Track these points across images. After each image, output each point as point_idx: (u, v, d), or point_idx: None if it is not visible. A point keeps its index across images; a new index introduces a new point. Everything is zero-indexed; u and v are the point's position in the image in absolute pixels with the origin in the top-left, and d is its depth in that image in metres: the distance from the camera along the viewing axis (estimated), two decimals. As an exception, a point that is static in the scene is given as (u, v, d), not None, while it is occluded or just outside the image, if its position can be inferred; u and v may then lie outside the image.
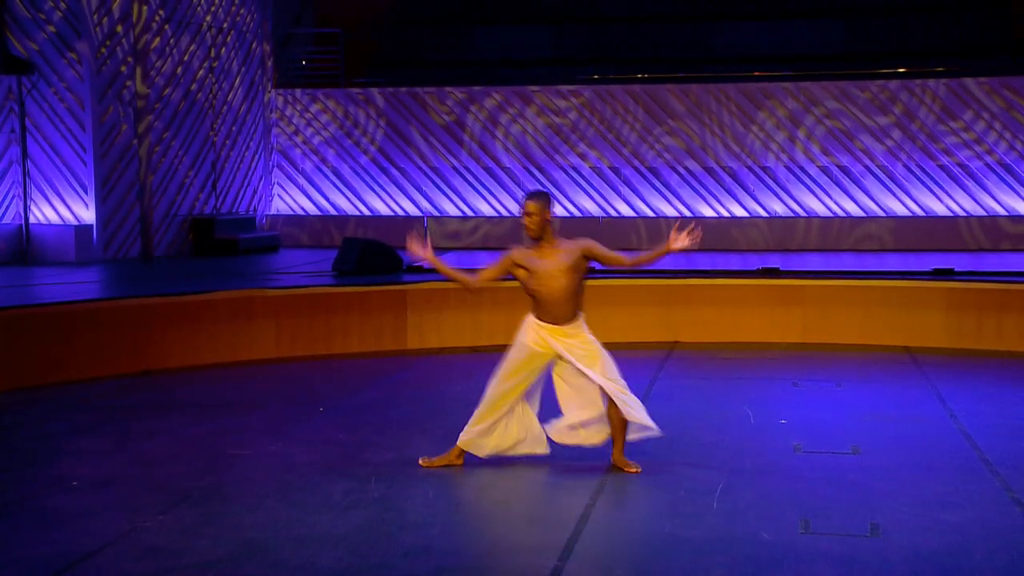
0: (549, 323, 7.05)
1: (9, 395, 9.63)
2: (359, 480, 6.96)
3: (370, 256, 13.25)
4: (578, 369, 7.03)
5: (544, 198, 7.08)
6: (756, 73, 17.59)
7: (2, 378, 9.84)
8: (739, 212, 17.25)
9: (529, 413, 7.24)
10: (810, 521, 6.12)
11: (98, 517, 6.25)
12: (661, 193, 17.44)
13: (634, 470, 7.09)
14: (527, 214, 7.04)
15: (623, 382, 7.09)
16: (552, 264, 7.01)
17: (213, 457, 7.60)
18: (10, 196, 15.29)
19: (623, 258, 7.22)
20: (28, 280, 13.16)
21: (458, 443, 7.22)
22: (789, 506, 6.41)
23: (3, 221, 15.22)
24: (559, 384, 7.17)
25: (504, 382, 7.11)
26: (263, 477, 7.10)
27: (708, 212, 17.33)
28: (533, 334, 7.08)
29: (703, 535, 5.92)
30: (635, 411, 7.04)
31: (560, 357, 7.07)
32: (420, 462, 7.24)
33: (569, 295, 7.04)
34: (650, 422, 7.07)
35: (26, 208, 15.25)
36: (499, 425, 7.16)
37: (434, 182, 18.02)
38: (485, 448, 7.19)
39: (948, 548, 5.74)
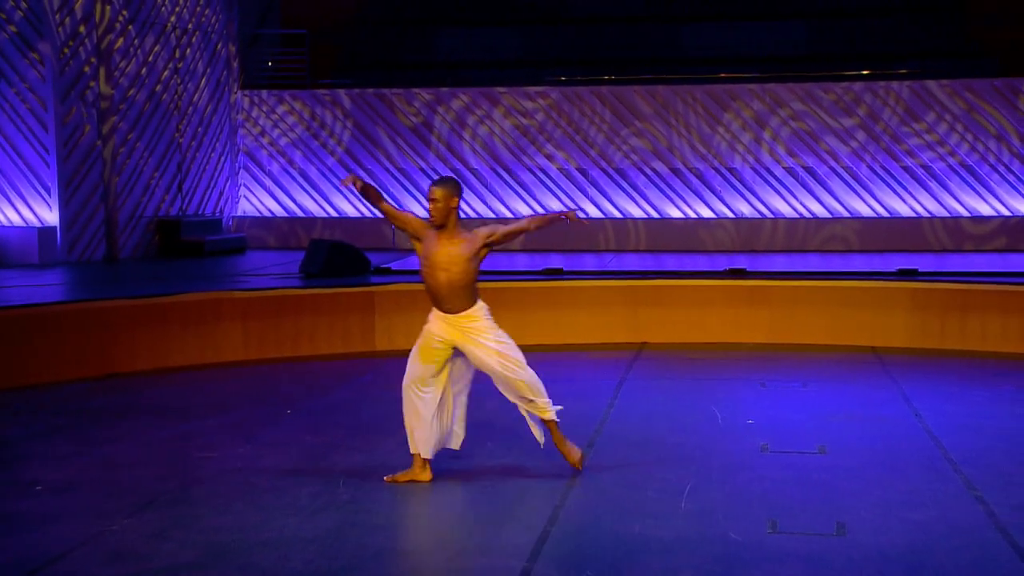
0: (445, 312, 7.00)
1: (-28, 399, 9.54)
2: (328, 483, 6.94)
3: (337, 257, 13.21)
4: (476, 356, 6.96)
5: (451, 185, 7.00)
6: (722, 75, 17.68)
7: (-35, 382, 9.75)
8: (706, 213, 17.33)
9: (448, 410, 7.12)
10: (777, 521, 6.16)
11: (63, 521, 6.20)
12: (628, 194, 17.49)
13: (575, 456, 7.10)
14: (431, 200, 6.96)
15: (524, 370, 7.03)
16: (446, 255, 6.91)
17: (180, 460, 7.56)
18: (-28, 198, 15.14)
19: (521, 224, 7.09)
20: (-9, 283, 13.04)
21: (413, 453, 7.07)
22: (757, 506, 6.45)
23: (-35, 223, 15.07)
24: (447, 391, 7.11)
25: (408, 372, 7.07)
26: (231, 480, 7.06)
27: (675, 213, 17.39)
28: (435, 324, 7.03)
29: (672, 535, 5.95)
30: (532, 387, 6.99)
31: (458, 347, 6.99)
32: (385, 479, 7.03)
33: (462, 285, 6.93)
34: (547, 401, 7.03)
35: (-11, 210, 15.11)
36: (434, 421, 7.03)
37: (401, 183, 17.99)
38: (431, 445, 7.04)
39: (913, 547, 5.79)
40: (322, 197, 18.17)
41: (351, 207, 18.11)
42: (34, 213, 15.18)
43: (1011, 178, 16.66)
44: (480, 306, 7.03)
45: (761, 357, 11.69)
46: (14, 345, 10.22)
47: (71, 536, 5.93)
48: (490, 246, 6.99)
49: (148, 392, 10.05)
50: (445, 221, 6.95)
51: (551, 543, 5.83)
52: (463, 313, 6.96)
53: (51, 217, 15.13)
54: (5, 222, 15.23)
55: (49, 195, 15.12)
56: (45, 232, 14.97)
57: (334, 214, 18.13)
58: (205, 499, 6.66)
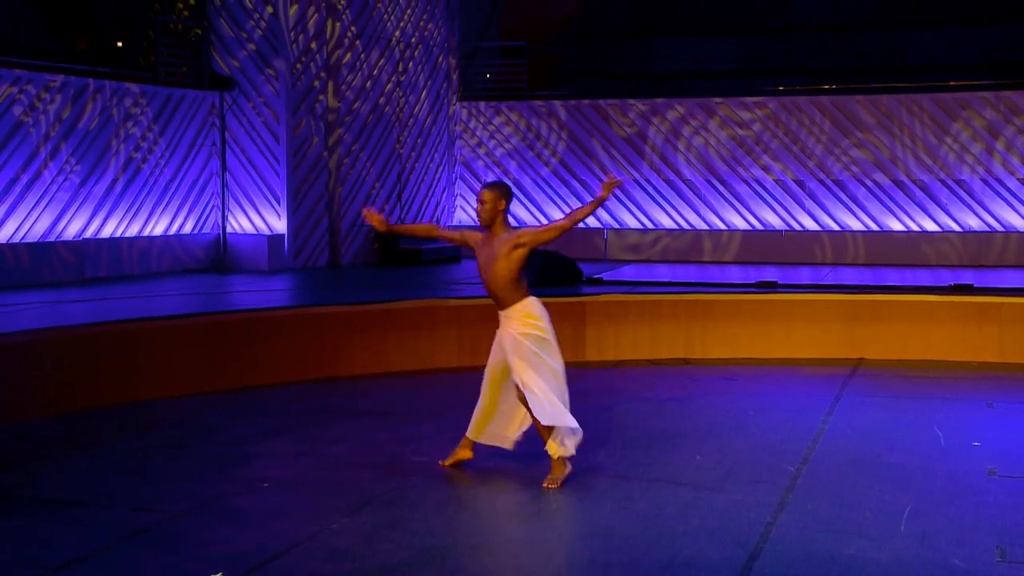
0: (498, 308, 7.26)
1: (204, 398, 10.05)
2: (539, 490, 7.00)
3: (550, 268, 13.33)
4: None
5: (500, 189, 7.30)
6: (951, 83, 16.98)
7: (199, 381, 10.27)
8: (930, 226, 16.69)
9: (508, 409, 7.35)
10: (1007, 549, 5.86)
11: (287, 518, 6.46)
12: (847, 206, 17.02)
13: (557, 474, 7.04)
14: (480, 201, 7.27)
15: (547, 382, 7.05)
16: (486, 255, 7.20)
17: (396, 463, 7.76)
18: (210, 206, 15.99)
19: (559, 224, 7.25)
20: (223, 287, 13.73)
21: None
22: (983, 532, 6.15)
23: (204, 230, 15.93)
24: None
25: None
26: (445, 484, 7.21)
27: (897, 226, 16.82)
28: (501, 323, 7.30)
29: (890, 558, 5.74)
30: (547, 411, 6.99)
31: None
32: (440, 463, 7.53)
33: (503, 281, 7.12)
34: (569, 421, 7.02)
35: (224, 218, 15.93)
36: (496, 414, 7.36)
37: (615, 194, 17.99)
38: (482, 434, 7.43)
39: None
40: (536, 207, 18.37)
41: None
42: (264, 221, 15.92)
43: None
44: (529, 300, 7.19)
45: (988, 377, 11.16)
46: (243, 348, 10.70)
47: (294, 533, 6.16)
48: (523, 246, 7.15)
49: (366, 395, 10.36)
50: (491, 222, 7.25)
51: (762, 560, 5.72)
52: (511, 307, 7.19)
53: (280, 225, 15.84)
54: (239, 229, 16.03)
55: (279, 204, 15.84)
56: (274, 239, 15.68)
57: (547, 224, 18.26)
58: (420, 502, 6.82)
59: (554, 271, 13.35)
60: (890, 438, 8.52)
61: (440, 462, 7.59)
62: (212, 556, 5.78)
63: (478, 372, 11.47)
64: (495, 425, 7.46)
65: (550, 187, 18.27)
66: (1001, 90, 16.46)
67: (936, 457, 7.95)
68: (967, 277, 13.49)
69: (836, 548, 5.93)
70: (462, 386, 10.83)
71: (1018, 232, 16.29)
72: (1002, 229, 16.41)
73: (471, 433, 7.52)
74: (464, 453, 7.56)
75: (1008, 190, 16.40)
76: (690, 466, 7.62)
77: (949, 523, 6.33)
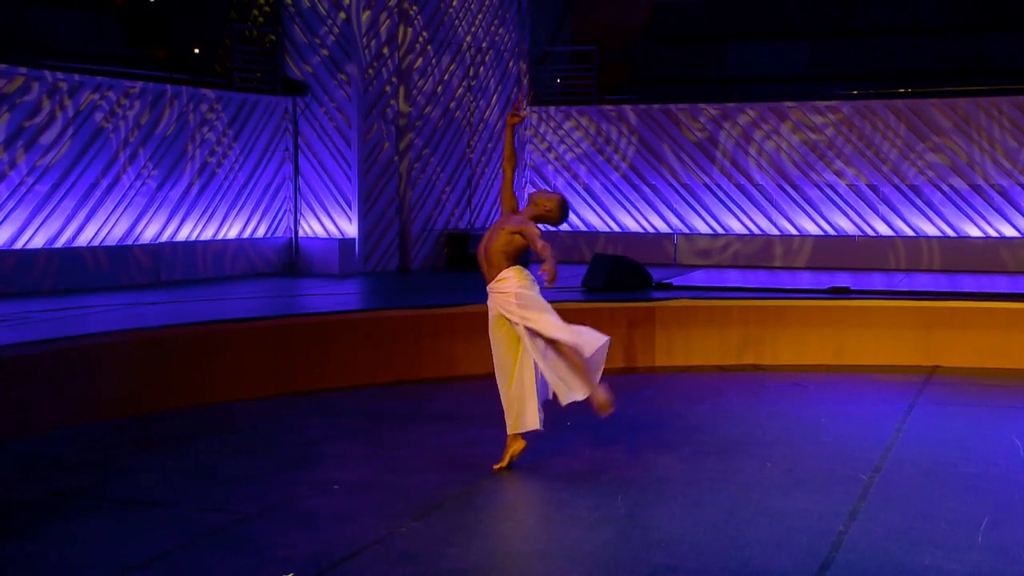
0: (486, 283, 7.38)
1: (276, 400, 10.15)
2: (606, 495, 6.98)
3: (620, 272, 13.30)
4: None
5: (553, 197, 7.47)
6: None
7: (270, 384, 10.38)
8: (1009, 232, 16.37)
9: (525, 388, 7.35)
10: (1085, 563, 5.73)
11: (356, 521, 6.50)
12: (922, 211, 16.76)
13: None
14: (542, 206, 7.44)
15: (555, 317, 7.17)
16: (500, 223, 7.35)
17: (464, 467, 7.77)
18: (283, 211, 16.18)
19: (540, 250, 6.98)
20: (295, 291, 13.87)
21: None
22: (1061, 545, 6.02)
23: (276, 234, 16.11)
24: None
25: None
26: (512, 489, 7.22)
27: (974, 232, 16.53)
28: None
29: (967, 570, 5.63)
30: (583, 338, 7.06)
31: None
32: (494, 467, 7.50)
33: (493, 253, 7.30)
34: (598, 339, 7.04)
35: (296, 222, 16.11)
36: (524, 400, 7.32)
37: (685, 199, 17.92)
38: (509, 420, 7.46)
39: None
40: (605, 212, 18.33)
41: (634, 222, 18.19)
42: (336, 225, 16.06)
43: None
44: (513, 268, 7.27)
45: (1068, 386, 10.93)
46: (313, 351, 10.80)
47: (363, 536, 6.20)
48: (521, 236, 7.23)
49: (434, 399, 10.40)
50: (514, 206, 7.46)
51: (834, 569, 5.65)
52: (494, 282, 7.34)
53: (351, 229, 15.97)
54: (311, 233, 16.19)
55: (350, 208, 15.97)
56: (345, 243, 15.81)
57: (617, 229, 18.25)
58: (488, 506, 6.83)
59: (624, 276, 13.31)
60: (966, 447, 8.37)
61: (494, 467, 7.56)
62: (282, 558, 5.84)
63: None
64: (530, 405, 7.43)
65: (620, 191, 18.21)
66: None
67: (1016, 468, 7.79)
68: (1046, 284, 13.22)
69: (909, 559, 5.83)
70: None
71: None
72: (1083, 235, 16.08)
73: (511, 429, 7.52)
74: (516, 445, 7.52)
75: (1089, 195, 16.07)
76: (760, 473, 7.54)
77: (1026, 535, 6.21)
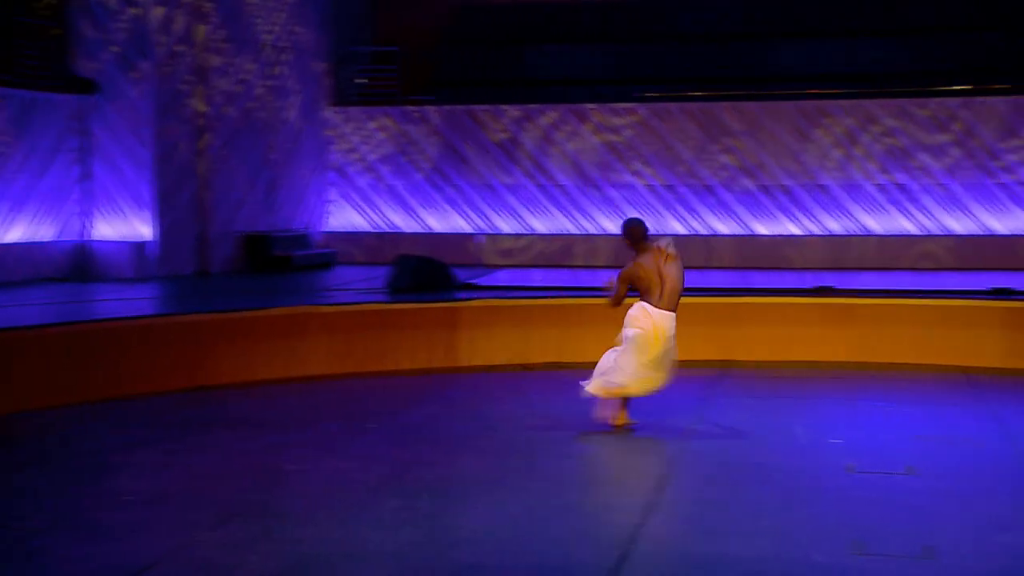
0: None
1: (66, 410, 9.76)
2: (410, 496, 6.99)
3: (424, 273, 13.30)
4: None
5: (623, 229, 8.96)
6: (811, 91, 17.47)
7: (59, 393, 9.97)
8: (794, 230, 17.13)
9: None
10: (864, 542, 6.05)
11: (152, 531, 6.32)
12: (716, 211, 17.37)
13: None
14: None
15: (604, 359, 8.77)
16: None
17: (265, 473, 7.66)
18: (72, 213, 15.51)
19: (616, 292, 8.94)
20: (87, 296, 13.37)
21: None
22: (842, 526, 6.34)
23: (65, 238, 15.44)
24: None
25: None
26: (315, 493, 7.15)
27: (763, 230, 17.22)
28: None
29: (755, 555, 5.87)
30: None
31: None
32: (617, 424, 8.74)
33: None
34: (592, 387, 8.73)
35: (87, 225, 15.49)
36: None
37: (488, 200, 18.07)
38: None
39: (1003, 570, 5.64)
40: (410, 212, 18.32)
41: (438, 223, 18.24)
42: (130, 228, 15.53)
43: (1112, 195, 16.22)
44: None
45: (848, 376, 11.51)
46: (107, 357, 10.44)
47: (158, 546, 6.03)
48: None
49: (235, 405, 10.21)
50: (634, 249, 8.81)
51: (631, 562, 5.79)
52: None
53: (146, 232, 15.47)
54: (103, 236, 15.60)
55: (145, 210, 15.46)
56: (140, 246, 15.30)
57: (422, 229, 18.27)
58: (290, 511, 6.74)
59: (428, 276, 13.33)
60: (756, 437, 8.72)
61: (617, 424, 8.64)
62: (73, 573, 5.63)
63: (350, 379, 11.44)
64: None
65: (424, 192, 18.24)
66: (858, 99, 16.98)
67: (797, 455, 8.17)
68: (829, 280, 13.85)
69: (703, 548, 6.04)
70: (332, 393, 10.77)
71: (876, 236, 16.82)
72: (862, 233, 16.92)
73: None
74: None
75: (867, 195, 16.92)
76: (561, 470, 7.67)
77: (810, 519, 6.51)
